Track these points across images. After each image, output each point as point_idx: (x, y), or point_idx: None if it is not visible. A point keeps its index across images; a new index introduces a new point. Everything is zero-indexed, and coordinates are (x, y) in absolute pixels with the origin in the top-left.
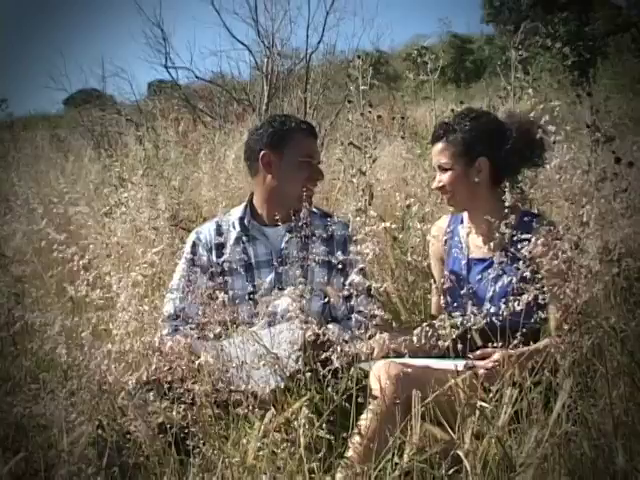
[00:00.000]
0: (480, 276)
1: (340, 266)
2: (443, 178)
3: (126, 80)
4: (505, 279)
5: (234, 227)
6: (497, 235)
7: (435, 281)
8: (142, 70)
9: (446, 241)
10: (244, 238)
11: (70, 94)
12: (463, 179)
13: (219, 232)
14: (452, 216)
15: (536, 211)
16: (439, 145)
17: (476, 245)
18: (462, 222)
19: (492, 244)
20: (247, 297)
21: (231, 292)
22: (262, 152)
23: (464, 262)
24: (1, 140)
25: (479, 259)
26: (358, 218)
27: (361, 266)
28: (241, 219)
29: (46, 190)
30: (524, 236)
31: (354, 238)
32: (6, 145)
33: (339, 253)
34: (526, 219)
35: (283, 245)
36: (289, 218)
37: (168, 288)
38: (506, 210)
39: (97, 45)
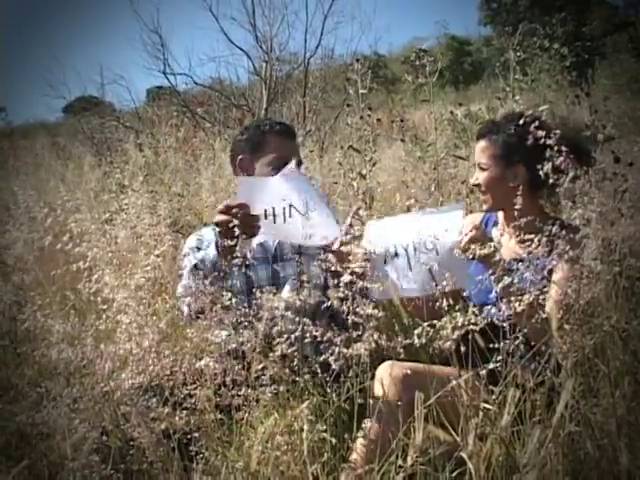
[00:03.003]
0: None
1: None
2: (479, 177)
3: (125, 87)
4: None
5: None
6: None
7: None
8: (141, 77)
9: None
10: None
11: (69, 102)
12: (498, 181)
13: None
14: (485, 215)
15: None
16: (481, 143)
17: (507, 247)
18: (496, 224)
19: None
20: (245, 293)
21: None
22: (239, 157)
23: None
24: (0, 149)
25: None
26: (349, 220)
27: (353, 266)
28: None
29: (47, 198)
30: (527, 236)
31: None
32: (6, 154)
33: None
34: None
35: (276, 243)
36: None
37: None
38: (516, 213)
39: (95, 52)
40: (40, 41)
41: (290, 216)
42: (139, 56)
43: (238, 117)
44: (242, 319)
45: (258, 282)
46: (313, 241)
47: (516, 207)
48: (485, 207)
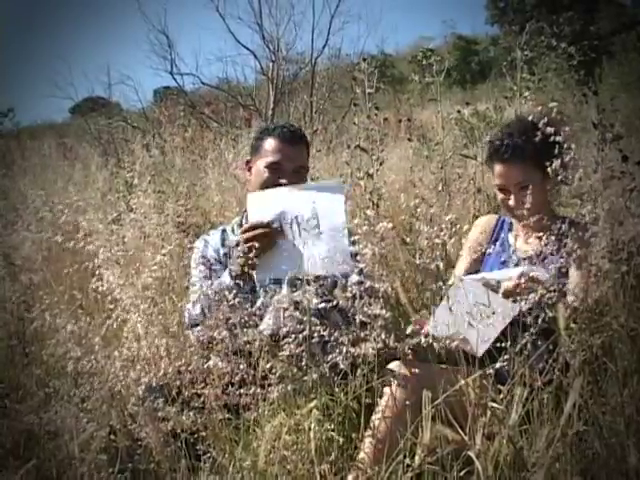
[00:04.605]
0: None
1: None
2: (524, 195)
3: (132, 87)
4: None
5: (234, 232)
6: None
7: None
8: (148, 77)
9: (489, 242)
10: None
11: (76, 102)
12: (543, 191)
13: (224, 242)
14: (500, 219)
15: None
16: (512, 165)
17: (524, 250)
18: (510, 229)
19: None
20: (249, 293)
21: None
22: (247, 159)
23: (513, 265)
24: (8, 149)
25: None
26: (357, 220)
27: (361, 266)
28: (239, 224)
29: (54, 198)
30: (537, 234)
31: (351, 239)
32: (13, 154)
33: None
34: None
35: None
36: None
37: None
38: (525, 212)
39: (102, 53)
40: (47, 42)
41: (299, 235)
42: (146, 56)
43: (245, 117)
44: (247, 318)
45: (262, 281)
46: (319, 269)
47: (526, 206)
48: (522, 222)
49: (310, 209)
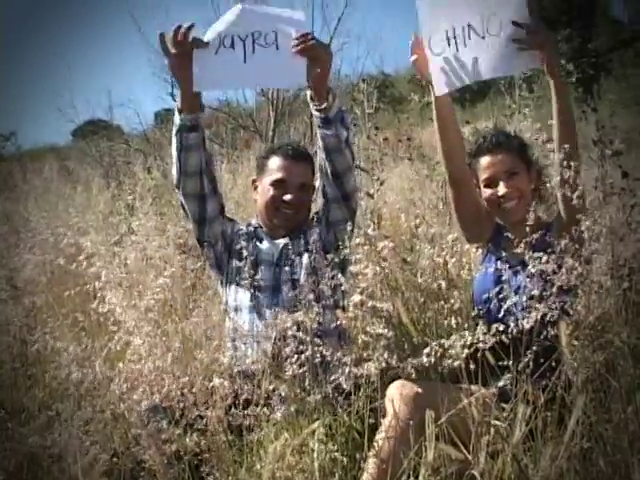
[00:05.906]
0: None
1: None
2: (514, 183)
3: (133, 110)
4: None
5: (246, 230)
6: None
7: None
8: (148, 99)
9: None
10: (251, 236)
11: (78, 125)
12: (529, 182)
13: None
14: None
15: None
16: (500, 154)
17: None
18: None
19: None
20: (251, 312)
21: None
22: (253, 179)
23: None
24: (10, 172)
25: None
26: (358, 239)
27: (363, 285)
28: (249, 224)
29: (56, 221)
30: (536, 254)
31: (352, 258)
32: (15, 177)
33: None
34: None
35: (281, 246)
36: (291, 232)
37: None
38: (527, 228)
39: (103, 76)
40: (48, 65)
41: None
42: (146, 79)
43: (245, 139)
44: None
45: (259, 282)
46: (270, 81)
47: (529, 222)
48: (513, 218)
49: (270, 27)
